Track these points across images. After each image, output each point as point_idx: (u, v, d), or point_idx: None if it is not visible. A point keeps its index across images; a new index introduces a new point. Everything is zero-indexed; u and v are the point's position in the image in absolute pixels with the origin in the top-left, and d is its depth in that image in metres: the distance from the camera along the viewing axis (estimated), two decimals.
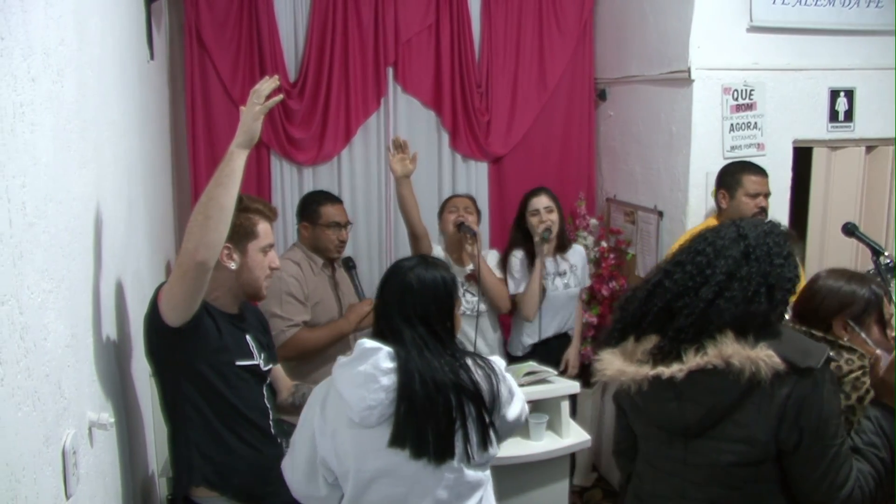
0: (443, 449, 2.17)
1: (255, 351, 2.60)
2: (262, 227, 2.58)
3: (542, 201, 4.19)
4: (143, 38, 3.50)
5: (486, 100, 4.93)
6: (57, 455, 1.66)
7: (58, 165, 1.79)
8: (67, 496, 1.70)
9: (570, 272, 4.32)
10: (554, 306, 4.25)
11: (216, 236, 2.19)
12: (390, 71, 4.79)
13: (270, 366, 2.69)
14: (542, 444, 3.37)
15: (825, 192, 4.64)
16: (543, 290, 4.18)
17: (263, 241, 2.58)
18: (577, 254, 4.41)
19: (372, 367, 2.18)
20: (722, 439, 2.04)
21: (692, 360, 2.01)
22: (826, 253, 4.64)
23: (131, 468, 2.57)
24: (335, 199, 3.92)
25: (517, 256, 4.26)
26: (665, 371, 2.04)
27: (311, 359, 3.62)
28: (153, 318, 2.33)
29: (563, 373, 4.15)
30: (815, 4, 4.22)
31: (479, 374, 2.24)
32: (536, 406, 3.51)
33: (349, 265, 3.92)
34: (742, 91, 4.23)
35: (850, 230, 3.71)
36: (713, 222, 3.89)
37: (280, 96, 2.38)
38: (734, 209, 3.78)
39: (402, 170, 3.82)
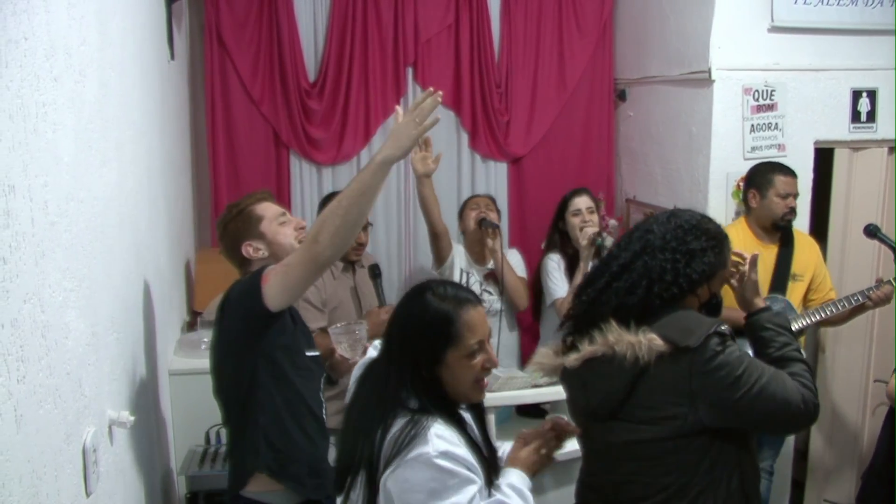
0: (338, 480, 2.03)
1: (312, 341, 2.67)
2: (261, 207, 2.64)
3: (583, 201, 4.12)
4: (164, 38, 3.52)
5: (506, 100, 4.92)
6: (77, 453, 1.67)
7: (79, 165, 1.80)
8: (87, 494, 1.71)
9: None
10: None
11: (348, 239, 2.26)
12: (410, 71, 4.79)
13: None
14: None
15: (847, 193, 4.59)
16: None
17: (271, 216, 2.63)
18: None
19: (357, 368, 2.22)
20: (631, 420, 2.13)
21: (585, 350, 2.14)
22: (847, 255, 4.60)
23: (151, 466, 2.59)
24: None
25: (553, 260, 4.16)
26: (567, 361, 2.19)
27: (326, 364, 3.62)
28: (251, 301, 2.33)
29: None
30: (837, 4, 4.19)
31: (389, 437, 1.89)
32: (554, 407, 3.50)
33: (375, 273, 3.79)
34: (763, 91, 4.20)
35: (872, 232, 3.69)
36: (743, 224, 3.87)
37: (437, 117, 2.35)
38: (765, 209, 3.76)
39: (424, 169, 3.81)
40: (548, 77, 4.98)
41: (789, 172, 3.81)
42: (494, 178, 5.01)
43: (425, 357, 1.95)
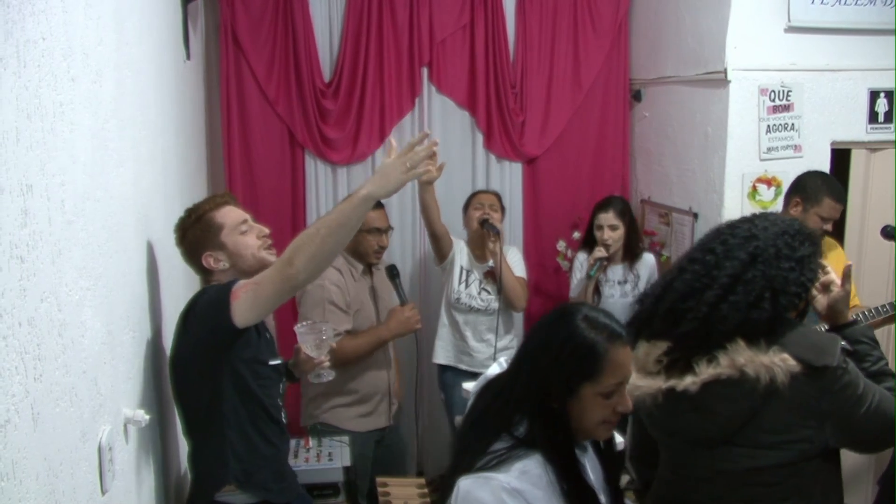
0: (445, 486, 1.93)
1: (275, 350, 2.65)
2: (221, 214, 2.56)
3: (608, 218, 4.23)
4: (180, 38, 3.53)
5: (521, 100, 4.92)
6: (93, 451, 1.67)
7: (96, 164, 1.81)
8: (103, 491, 1.71)
9: (632, 283, 4.30)
10: None
11: (323, 266, 2.25)
12: (425, 71, 4.79)
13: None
14: None
15: (864, 194, 4.56)
16: (599, 295, 4.22)
17: (232, 224, 2.55)
18: (645, 265, 4.37)
19: (479, 381, 2.08)
20: (752, 445, 2.02)
21: (705, 372, 1.99)
22: (864, 256, 4.57)
23: (165, 465, 2.59)
24: (376, 204, 3.90)
25: (579, 259, 4.38)
26: (679, 384, 2.02)
27: (352, 366, 3.62)
28: (219, 315, 2.28)
29: None
30: (855, 4, 4.16)
31: (488, 452, 1.81)
32: None
33: (393, 273, 3.82)
34: (779, 92, 4.18)
35: (889, 233, 3.65)
36: None
37: (428, 168, 2.33)
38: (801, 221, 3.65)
39: (426, 176, 3.82)
40: (563, 77, 4.97)
41: (841, 198, 3.69)
42: (509, 179, 5.01)
43: (558, 385, 1.80)
